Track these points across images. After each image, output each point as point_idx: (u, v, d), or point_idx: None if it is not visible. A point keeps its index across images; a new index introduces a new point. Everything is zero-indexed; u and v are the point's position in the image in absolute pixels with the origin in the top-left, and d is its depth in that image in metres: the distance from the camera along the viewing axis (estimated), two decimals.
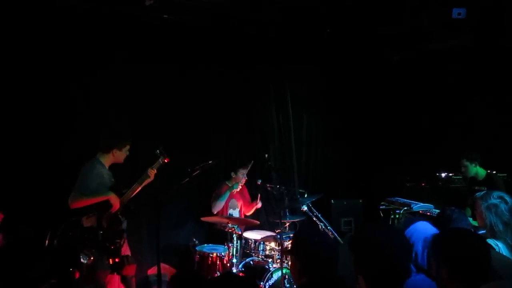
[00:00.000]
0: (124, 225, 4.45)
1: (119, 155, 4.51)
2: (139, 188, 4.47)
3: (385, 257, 2.00)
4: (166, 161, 4.50)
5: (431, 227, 2.78)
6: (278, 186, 5.96)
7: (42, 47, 5.05)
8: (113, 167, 4.60)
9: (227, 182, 5.95)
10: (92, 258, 3.91)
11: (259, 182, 5.91)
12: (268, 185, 6.14)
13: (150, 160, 4.56)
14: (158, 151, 4.50)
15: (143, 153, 4.98)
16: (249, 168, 5.87)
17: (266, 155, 5.79)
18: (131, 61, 5.60)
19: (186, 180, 4.73)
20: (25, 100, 4.99)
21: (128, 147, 4.55)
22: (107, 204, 4.26)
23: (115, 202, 4.29)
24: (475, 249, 2.09)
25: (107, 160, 4.49)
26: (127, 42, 5.57)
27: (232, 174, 5.90)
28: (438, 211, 5.14)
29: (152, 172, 4.45)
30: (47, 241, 3.77)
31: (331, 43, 6.82)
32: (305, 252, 2.41)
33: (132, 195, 4.43)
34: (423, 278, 2.48)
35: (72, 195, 4.26)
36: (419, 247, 2.60)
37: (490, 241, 2.97)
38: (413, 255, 2.55)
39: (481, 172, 5.69)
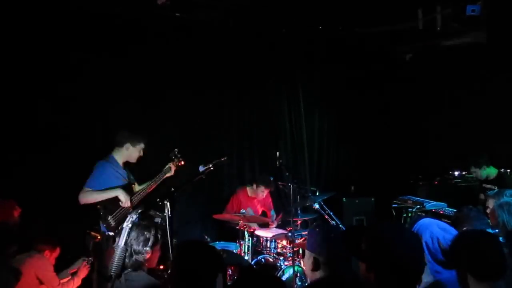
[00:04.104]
0: None
1: (132, 151, 4.49)
2: (154, 187, 4.50)
3: (395, 258, 1.97)
4: (181, 164, 4.53)
5: (435, 220, 2.80)
6: (289, 184, 5.96)
7: (53, 44, 5.16)
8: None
9: (248, 189, 5.97)
10: (99, 237, 3.97)
11: (271, 179, 5.91)
12: (279, 183, 6.15)
13: (159, 160, 4.62)
14: (172, 154, 4.54)
15: (153, 152, 5.02)
16: (271, 189, 5.87)
17: (278, 153, 5.77)
18: (139, 58, 5.66)
19: (199, 177, 4.76)
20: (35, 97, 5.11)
21: (142, 145, 4.53)
22: (115, 201, 4.28)
23: (124, 199, 4.29)
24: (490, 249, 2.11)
25: (120, 156, 4.48)
26: (137, 39, 5.63)
27: (254, 185, 5.90)
28: (451, 209, 5.11)
29: (173, 167, 4.49)
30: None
31: (343, 41, 6.80)
32: (321, 248, 2.40)
33: (144, 195, 4.45)
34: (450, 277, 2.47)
35: (82, 192, 4.26)
36: (427, 237, 2.62)
37: (502, 239, 2.95)
38: (424, 245, 2.58)
39: (492, 171, 5.65)
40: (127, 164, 4.58)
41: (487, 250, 2.10)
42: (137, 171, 4.71)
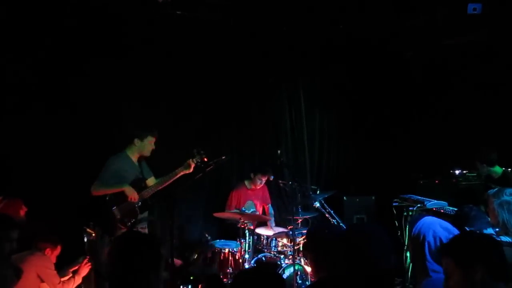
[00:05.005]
0: (140, 216, 4.55)
1: (142, 145, 4.60)
2: (169, 182, 4.57)
3: (367, 260, 1.96)
4: (204, 160, 4.56)
5: (436, 219, 2.79)
6: (290, 183, 5.97)
7: (57, 41, 5.19)
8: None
9: (246, 182, 5.96)
10: (94, 235, 3.99)
11: (271, 178, 5.91)
12: (280, 182, 6.15)
13: (157, 159, 4.66)
14: (195, 150, 4.57)
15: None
16: (268, 178, 5.86)
17: (279, 151, 5.78)
18: (138, 56, 5.65)
19: (200, 175, 4.77)
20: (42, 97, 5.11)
21: (150, 138, 4.63)
22: (122, 195, 4.39)
23: (130, 194, 4.40)
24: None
25: (133, 152, 4.62)
26: (140, 37, 5.63)
27: (251, 175, 5.89)
28: (452, 208, 5.09)
29: (192, 164, 4.53)
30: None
31: (344, 39, 6.80)
32: (317, 246, 2.40)
33: (155, 191, 4.56)
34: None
35: (94, 184, 4.44)
36: (430, 237, 2.62)
37: (503, 238, 2.95)
38: (426, 245, 2.57)
39: (497, 171, 5.62)
40: (143, 159, 4.72)
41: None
42: None
